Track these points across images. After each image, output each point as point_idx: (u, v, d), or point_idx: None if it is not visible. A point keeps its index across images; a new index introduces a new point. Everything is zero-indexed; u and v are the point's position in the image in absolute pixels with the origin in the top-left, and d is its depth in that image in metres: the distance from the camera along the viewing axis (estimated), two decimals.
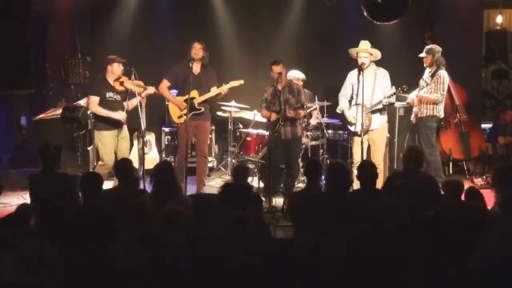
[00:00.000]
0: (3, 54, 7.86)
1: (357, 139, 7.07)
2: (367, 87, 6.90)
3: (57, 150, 5.82)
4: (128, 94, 7.08)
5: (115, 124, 7.07)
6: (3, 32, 7.85)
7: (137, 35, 9.20)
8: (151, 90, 7.13)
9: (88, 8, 9.15)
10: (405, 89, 6.95)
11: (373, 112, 7.01)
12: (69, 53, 8.89)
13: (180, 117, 7.31)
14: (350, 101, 7.23)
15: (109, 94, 7.04)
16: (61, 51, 8.94)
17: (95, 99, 7.00)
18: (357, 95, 7.06)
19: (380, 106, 6.97)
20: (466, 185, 5.25)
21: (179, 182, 5.35)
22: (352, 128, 7.14)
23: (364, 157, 6.99)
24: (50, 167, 5.69)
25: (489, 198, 5.13)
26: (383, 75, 7.08)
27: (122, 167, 5.49)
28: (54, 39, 9.01)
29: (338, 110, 7.39)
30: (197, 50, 7.17)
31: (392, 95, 6.90)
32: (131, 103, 7.14)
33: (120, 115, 7.04)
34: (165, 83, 7.35)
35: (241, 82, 7.30)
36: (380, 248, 3.87)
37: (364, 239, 3.96)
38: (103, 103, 7.03)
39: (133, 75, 7.06)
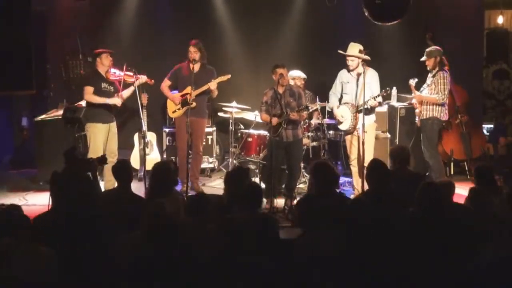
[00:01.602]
0: (4, 55, 7.86)
1: (347, 138, 7.23)
2: (355, 87, 6.94)
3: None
4: (118, 86, 7.30)
5: (107, 118, 7.22)
6: (4, 33, 7.85)
7: (138, 35, 9.20)
8: (142, 79, 7.35)
9: (89, 9, 9.13)
10: (388, 92, 6.99)
11: (359, 112, 7.02)
12: (70, 54, 8.87)
13: (174, 112, 7.63)
14: (340, 100, 7.29)
15: (104, 85, 7.25)
16: (62, 51, 8.93)
17: (89, 89, 7.20)
18: (347, 94, 7.16)
19: (366, 107, 6.98)
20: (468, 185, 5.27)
21: (174, 183, 5.37)
22: (341, 127, 7.23)
23: (354, 156, 7.07)
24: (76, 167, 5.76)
25: None
26: (372, 75, 7.10)
27: (121, 168, 5.49)
28: (55, 39, 8.99)
29: (328, 108, 7.47)
30: (192, 53, 7.41)
31: (377, 96, 6.94)
32: (123, 95, 7.30)
33: (115, 100, 7.20)
34: (166, 82, 7.65)
35: (228, 76, 7.49)
36: (378, 248, 3.87)
37: (361, 239, 3.96)
38: (99, 94, 7.20)
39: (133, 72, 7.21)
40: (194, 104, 7.35)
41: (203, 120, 7.71)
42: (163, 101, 8.26)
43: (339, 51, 7.13)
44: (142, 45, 9.18)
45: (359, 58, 7.02)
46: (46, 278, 3.66)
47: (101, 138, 7.22)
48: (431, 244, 4.06)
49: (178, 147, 7.75)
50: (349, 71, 7.07)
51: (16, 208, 4.15)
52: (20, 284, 3.42)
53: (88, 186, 5.28)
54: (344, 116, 7.12)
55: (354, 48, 7.08)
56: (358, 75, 7.01)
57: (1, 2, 7.82)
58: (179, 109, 7.55)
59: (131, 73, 7.37)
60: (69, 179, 5.45)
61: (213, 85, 7.39)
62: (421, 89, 7.70)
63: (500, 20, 10.46)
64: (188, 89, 7.39)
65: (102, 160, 6.11)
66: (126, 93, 7.38)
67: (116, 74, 7.31)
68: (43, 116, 8.28)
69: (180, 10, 9.29)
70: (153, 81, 7.65)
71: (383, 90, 6.95)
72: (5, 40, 7.86)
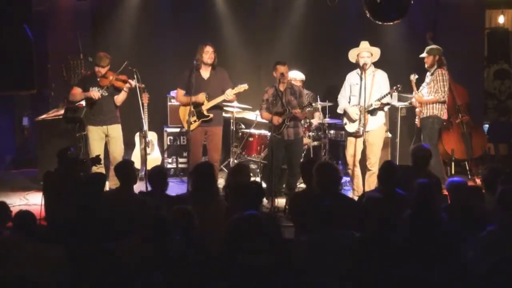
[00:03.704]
0: (4, 54, 7.86)
1: (351, 140, 7.14)
2: (363, 88, 6.94)
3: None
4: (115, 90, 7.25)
5: (98, 121, 7.20)
6: (5, 33, 7.85)
7: (139, 36, 9.20)
8: (131, 83, 7.14)
9: (89, 9, 9.15)
10: (399, 89, 6.99)
11: (369, 112, 7.01)
12: (71, 54, 8.88)
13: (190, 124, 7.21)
14: (348, 103, 7.26)
15: (93, 89, 7.19)
16: (63, 51, 8.94)
17: (74, 89, 7.33)
18: (354, 96, 7.12)
19: (375, 106, 6.99)
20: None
21: (216, 185, 5.24)
22: (349, 128, 7.16)
23: (358, 157, 7.03)
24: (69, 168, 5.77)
25: None
26: (381, 76, 7.12)
27: (123, 168, 5.50)
28: (56, 40, 9.00)
29: (339, 110, 7.41)
30: (211, 54, 7.01)
31: (386, 95, 6.94)
32: (117, 98, 7.24)
33: (90, 93, 7.12)
34: (180, 92, 7.24)
35: (246, 87, 7.12)
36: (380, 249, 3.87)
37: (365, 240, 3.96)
38: (88, 97, 7.23)
39: (135, 76, 7.13)
40: (211, 115, 7.07)
41: (219, 129, 7.32)
42: (164, 101, 8.28)
43: (352, 50, 7.12)
44: (142, 45, 9.18)
45: (372, 53, 7.04)
46: (55, 279, 3.67)
47: (96, 140, 7.21)
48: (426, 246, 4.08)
49: (192, 159, 7.32)
50: (361, 71, 7.01)
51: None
52: (28, 284, 3.42)
53: (80, 186, 5.30)
54: (358, 114, 7.08)
55: (366, 45, 7.13)
56: (365, 67, 6.95)
57: (2, 3, 7.81)
58: (195, 121, 7.10)
59: (122, 78, 7.21)
60: (61, 179, 5.49)
61: (229, 96, 7.01)
62: (421, 87, 7.72)
63: (501, 19, 10.46)
64: (202, 97, 7.01)
65: (96, 160, 6.11)
66: (120, 97, 7.27)
67: (108, 78, 7.18)
68: (44, 116, 8.29)
69: (181, 10, 9.29)
70: (143, 85, 7.44)
71: (394, 87, 6.94)
72: (6, 40, 7.85)
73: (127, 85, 7.15)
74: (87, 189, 5.12)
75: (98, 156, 6.21)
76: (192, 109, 7.03)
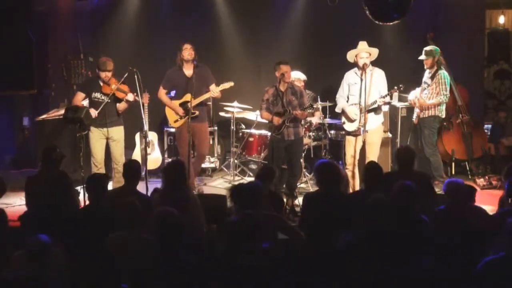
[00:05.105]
0: (5, 55, 7.87)
1: (350, 139, 7.11)
2: (362, 87, 6.94)
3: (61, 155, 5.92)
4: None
5: (99, 123, 7.14)
6: (5, 33, 7.86)
7: (139, 36, 9.21)
8: (130, 97, 7.12)
9: (89, 9, 9.15)
10: (401, 88, 6.98)
11: (368, 111, 7.01)
12: (71, 54, 8.88)
13: (176, 121, 7.37)
14: (346, 102, 7.25)
15: (95, 95, 7.16)
16: (63, 51, 8.94)
17: (78, 95, 7.28)
18: (353, 95, 7.10)
19: (375, 106, 6.98)
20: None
21: (187, 181, 5.33)
22: (348, 127, 7.14)
23: (357, 157, 7.02)
24: (51, 168, 5.76)
25: (490, 198, 5.15)
26: (379, 75, 7.10)
27: (128, 168, 5.52)
28: (56, 39, 9.00)
29: (337, 110, 7.40)
30: (189, 50, 7.16)
31: (387, 95, 6.93)
32: (119, 106, 7.22)
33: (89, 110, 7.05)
34: (162, 91, 7.42)
35: (231, 84, 7.30)
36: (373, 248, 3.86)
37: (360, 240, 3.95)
38: (90, 102, 7.22)
39: (135, 77, 7.11)
40: (197, 112, 7.18)
41: (204, 124, 7.49)
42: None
43: (350, 51, 7.12)
44: (142, 45, 9.19)
45: (370, 53, 7.03)
46: (55, 278, 3.68)
47: (96, 141, 7.19)
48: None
49: (180, 154, 7.44)
50: (361, 71, 7.01)
51: None
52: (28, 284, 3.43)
53: (63, 188, 5.30)
54: (357, 114, 7.07)
55: (365, 45, 7.12)
56: (365, 67, 6.94)
57: (3, 3, 7.82)
58: (181, 118, 7.27)
59: (124, 89, 7.15)
60: (43, 179, 5.50)
61: (215, 93, 7.23)
62: (420, 88, 7.71)
63: (501, 20, 10.46)
64: (187, 97, 7.13)
65: None
66: (121, 107, 7.25)
67: (110, 85, 7.11)
68: (44, 116, 8.28)
69: (181, 10, 9.29)
70: (148, 97, 7.45)
71: (395, 87, 6.94)
72: (6, 40, 7.86)
73: (127, 97, 7.12)
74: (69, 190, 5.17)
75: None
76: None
